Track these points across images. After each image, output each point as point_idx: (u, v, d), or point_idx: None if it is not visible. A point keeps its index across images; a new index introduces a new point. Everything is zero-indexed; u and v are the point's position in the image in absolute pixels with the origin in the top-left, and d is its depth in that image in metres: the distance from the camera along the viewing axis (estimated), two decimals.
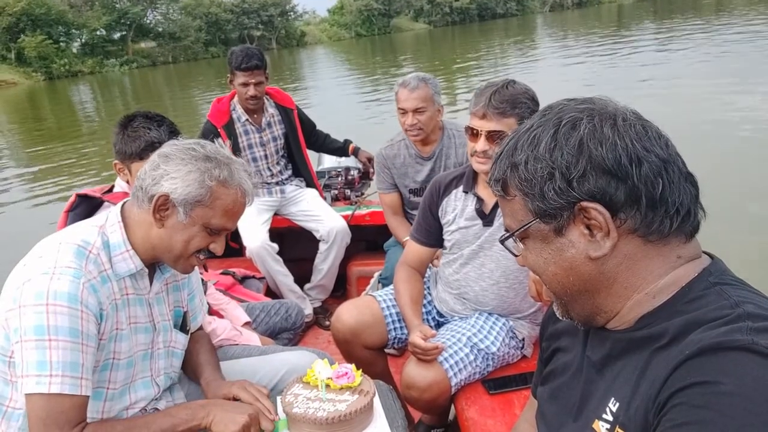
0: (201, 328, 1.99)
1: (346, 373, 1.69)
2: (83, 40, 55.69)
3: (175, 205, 1.50)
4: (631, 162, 0.87)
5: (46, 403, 1.39)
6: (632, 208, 0.88)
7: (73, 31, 54.40)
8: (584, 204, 0.88)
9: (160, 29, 60.89)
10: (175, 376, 1.79)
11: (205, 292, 2.38)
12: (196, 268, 1.87)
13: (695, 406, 0.75)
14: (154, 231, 1.54)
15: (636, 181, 0.87)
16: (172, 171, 1.50)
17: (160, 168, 1.51)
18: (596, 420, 0.94)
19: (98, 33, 55.53)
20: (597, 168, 0.87)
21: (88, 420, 1.49)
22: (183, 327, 1.81)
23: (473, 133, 2.08)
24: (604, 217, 0.88)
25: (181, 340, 1.78)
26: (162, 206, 1.51)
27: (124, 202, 1.63)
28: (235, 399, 1.70)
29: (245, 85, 3.39)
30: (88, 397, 1.46)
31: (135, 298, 1.61)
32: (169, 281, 1.76)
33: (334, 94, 18.39)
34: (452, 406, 2.32)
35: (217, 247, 1.59)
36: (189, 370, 1.90)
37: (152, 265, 1.66)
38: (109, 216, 1.59)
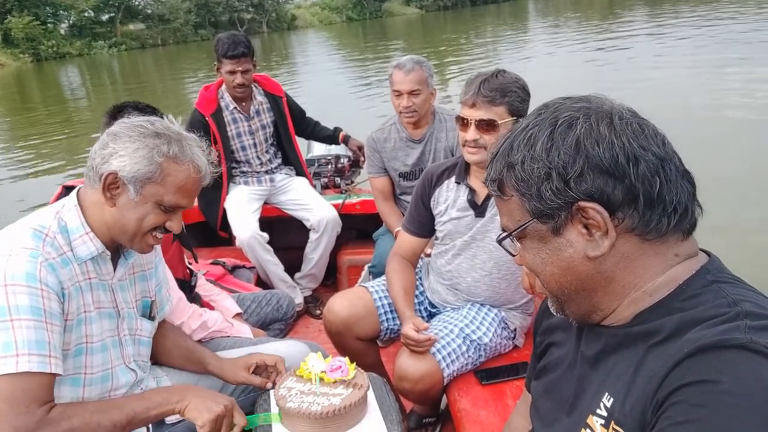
0: (165, 321, 1.97)
1: (340, 367, 1.68)
2: (71, 22, 54.98)
3: (125, 183, 1.49)
4: (628, 161, 0.87)
5: (12, 382, 1.37)
6: (630, 207, 0.88)
7: (61, 12, 53.66)
8: (582, 204, 0.88)
9: (149, 11, 60.17)
10: (144, 365, 1.78)
11: (195, 284, 2.37)
12: (160, 252, 1.87)
13: (694, 404, 0.75)
14: (107, 211, 1.53)
15: (633, 180, 0.87)
16: (120, 149, 1.49)
17: (109, 147, 1.51)
18: (590, 415, 0.94)
19: (86, 14, 54.78)
20: (594, 167, 0.87)
21: None
22: (150, 315, 1.80)
23: (463, 123, 2.07)
24: (602, 216, 0.88)
25: (147, 327, 1.77)
26: (112, 185, 1.50)
27: (80, 188, 1.62)
28: (258, 366, 1.78)
29: (232, 73, 3.35)
30: (56, 376, 1.44)
31: (98, 282, 1.60)
32: (136, 270, 1.75)
33: (324, 79, 18.26)
34: (444, 397, 2.33)
35: (174, 225, 1.58)
36: (178, 358, 1.90)
37: (116, 251, 1.66)
38: (65, 201, 1.59)
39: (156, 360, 1.89)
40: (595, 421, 0.93)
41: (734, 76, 10.32)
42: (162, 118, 2.10)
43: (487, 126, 2.02)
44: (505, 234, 1.00)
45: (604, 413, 0.91)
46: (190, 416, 1.55)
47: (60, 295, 1.46)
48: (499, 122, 2.00)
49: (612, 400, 0.90)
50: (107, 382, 1.62)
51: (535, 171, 0.90)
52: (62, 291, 1.47)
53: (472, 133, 2.04)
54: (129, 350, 1.70)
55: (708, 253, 0.96)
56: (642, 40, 17.63)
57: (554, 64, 14.88)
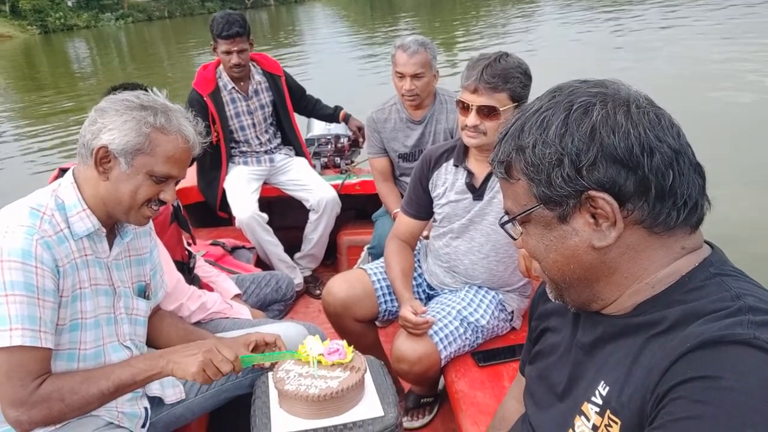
0: (160, 308, 2.00)
1: (338, 350, 1.69)
2: None
3: (116, 156, 1.53)
4: (643, 152, 0.85)
5: (7, 356, 1.43)
6: (640, 199, 0.86)
7: None
8: (592, 193, 0.86)
9: None
10: (141, 345, 1.81)
11: (194, 265, 2.38)
12: (155, 238, 1.90)
13: (695, 400, 0.74)
14: (101, 186, 1.57)
15: (647, 172, 0.85)
16: (108, 123, 1.53)
17: (97, 122, 1.54)
18: (585, 402, 0.94)
19: None
20: (608, 157, 0.85)
21: None
22: (145, 295, 1.84)
23: (464, 107, 2.05)
24: (611, 207, 0.86)
25: (142, 306, 1.80)
26: (104, 158, 1.54)
27: (74, 167, 1.65)
28: (257, 344, 1.78)
29: (228, 53, 3.31)
30: (50, 350, 1.50)
31: (94, 260, 1.63)
32: (132, 254, 1.78)
33: (331, 55, 18.02)
34: (442, 377, 2.35)
35: (167, 195, 1.61)
36: (177, 340, 1.90)
37: (112, 230, 1.69)
38: (62, 181, 1.62)
39: (155, 345, 1.91)
40: (590, 409, 0.93)
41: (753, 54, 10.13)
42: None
43: (488, 112, 2.00)
44: (508, 217, 0.98)
45: (599, 401, 0.91)
46: (179, 376, 1.62)
47: (55, 272, 1.49)
48: (501, 109, 1.99)
49: (608, 388, 0.90)
50: (99, 358, 1.65)
51: (547, 156, 0.88)
52: (57, 268, 1.50)
53: (472, 119, 2.02)
54: (125, 329, 1.73)
55: (711, 245, 0.94)
56: (653, 21, 17.30)
57: (564, 43, 14.61)
